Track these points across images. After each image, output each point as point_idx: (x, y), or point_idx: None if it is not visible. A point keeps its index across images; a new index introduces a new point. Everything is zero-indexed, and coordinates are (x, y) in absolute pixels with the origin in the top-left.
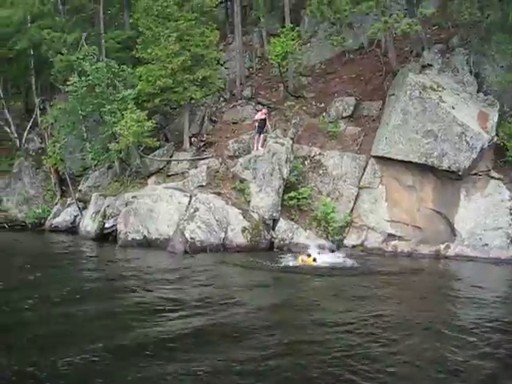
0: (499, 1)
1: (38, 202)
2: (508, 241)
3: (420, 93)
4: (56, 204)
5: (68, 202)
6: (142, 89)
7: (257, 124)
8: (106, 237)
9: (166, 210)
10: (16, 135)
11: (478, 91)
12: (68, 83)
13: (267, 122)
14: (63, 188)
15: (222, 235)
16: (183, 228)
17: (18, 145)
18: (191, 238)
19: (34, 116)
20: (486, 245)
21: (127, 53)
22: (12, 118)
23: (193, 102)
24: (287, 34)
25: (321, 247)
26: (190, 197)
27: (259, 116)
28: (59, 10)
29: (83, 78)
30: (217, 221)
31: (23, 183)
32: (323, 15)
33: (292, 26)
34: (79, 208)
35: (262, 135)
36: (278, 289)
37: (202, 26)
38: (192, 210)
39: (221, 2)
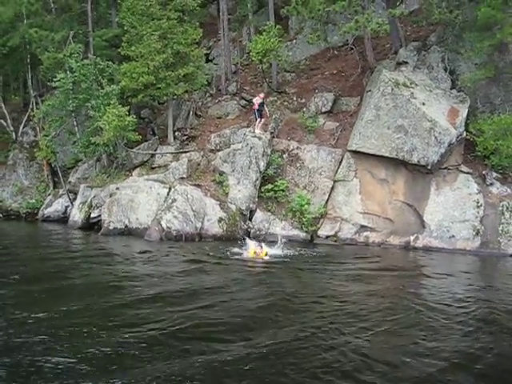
0: (469, 1)
1: (31, 193)
2: (474, 233)
3: (392, 89)
4: (49, 195)
5: (60, 193)
6: (126, 85)
7: (256, 108)
8: (92, 226)
9: (146, 200)
10: (12, 128)
11: (452, 88)
12: (54, 79)
13: (265, 106)
14: (55, 179)
15: (199, 225)
16: (160, 218)
17: (14, 138)
18: (167, 227)
19: (29, 110)
20: (453, 236)
21: (114, 50)
22: (10, 112)
23: (177, 97)
24: (269, 32)
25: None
26: (170, 188)
27: (256, 100)
28: (50, 8)
29: (69, 75)
30: (194, 211)
31: (18, 175)
32: (300, 14)
33: (274, 23)
34: (70, 199)
35: (261, 119)
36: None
37: (185, 24)
38: (170, 201)
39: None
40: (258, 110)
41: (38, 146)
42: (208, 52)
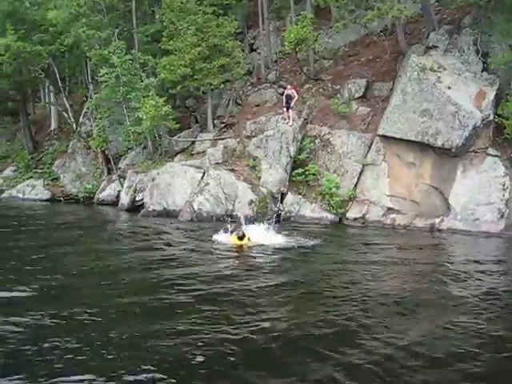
0: None
1: (88, 179)
2: (499, 215)
3: (418, 74)
4: (103, 180)
5: (112, 179)
6: (166, 77)
7: (284, 99)
8: (137, 208)
9: (181, 184)
10: (73, 120)
11: (484, 70)
12: (99, 74)
13: (294, 97)
14: (109, 166)
15: (230, 207)
16: (192, 200)
17: (75, 128)
18: (198, 209)
19: (87, 102)
20: (478, 219)
21: (156, 45)
22: (73, 104)
23: (217, 87)
24: (302, 21)
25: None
26: (204, 173)
27: (286, 92)
28: (98, 9)
29: (111, 70)
30: (225, 194)
31: (76, 162)
32: (326, 2)
33: (309, 13)
34: (121, 183)
35: (290, 110)
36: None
37: (221, 17)
38: (203, 185)
39: None
40: (286, 101)
41: (91, 135)
42: (253, 42)
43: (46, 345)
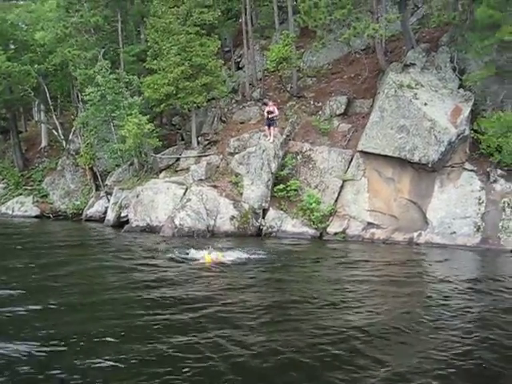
0: (472, 1)
1: (77, 195)
2: (475, 229)
3: (395, 91)
4: (91, 197)
5: (100, 195)
6: (150, 96)
7: (266, 116)
8: (122, 224)
9: (164, 200)
10: (63, 137)
11: (460, 87)
12: (84, 94)
13: (275, 113)
14: (97, 183)
15: (211, 222)
16: (174, 215)
17: (65, 146)
18: (180, 224)
19: (75, 120)
20: (454, 233)
21: (141, 64)
22: (65, 122)
23: (200, 105)
24: (284, 40)
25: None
26: (186, 189)
27: (266, 109)
28: (84, 29)
29: (96, 89)
30: (207, 210)
31: (65, 179)
32: (305, 23)
33: (288, 32)
34: (108, 200)
35: (271, 127)
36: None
37: (203, 37)
38: (185, 201)
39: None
40: (267, 118)
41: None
42: (239, 60)
43: None
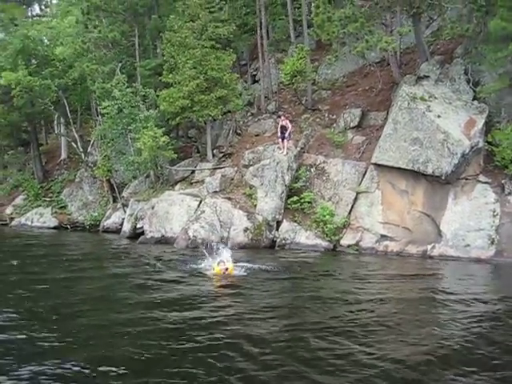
0: (486, 14)
1: (94, 207)
2: (489, 242)
3: (408, 103)
4: (108, 209)
5: (117, 207)
6: (165, 109)
7: (279, 129)
8: (138, 236)
9: (178, 212)
10: (82, 150)
11: (474, 99)
12: (101, 107)
13: (288, 128)
14: (114, 195)
15: (225, 234)
16: (188, 227)
17: (83, 158)
18: (193, 236)
19: (93, 133)
20: (468, 245)
21: (157, 78)
22: (84, 135)
23: (215, 118)
24: (298, 54)
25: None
26: (200, 201)
27: (280, 123)
28: (102, 44)
29: (113, 102)
30: (221, 222)
31: (83, 191)
32: (318, 36)
33: (302, 45)
34: (125, 211)
35: (285, 140)
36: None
37: (219, 51)
38: (199, 213)
39: None
40: (281, 131)
41: (97, 165)
42: (255, 73)
43: None
